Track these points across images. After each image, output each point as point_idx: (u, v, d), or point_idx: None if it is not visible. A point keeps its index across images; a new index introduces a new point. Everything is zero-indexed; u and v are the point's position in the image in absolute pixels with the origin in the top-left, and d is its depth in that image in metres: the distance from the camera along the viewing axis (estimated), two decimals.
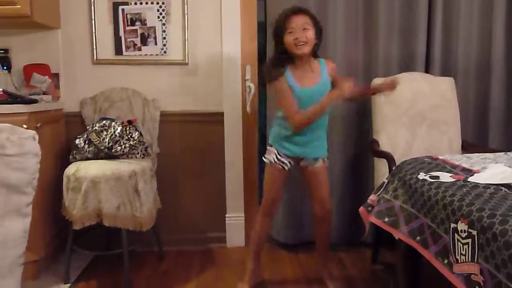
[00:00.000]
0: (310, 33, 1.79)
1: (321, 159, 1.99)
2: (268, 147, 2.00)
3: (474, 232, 1.05)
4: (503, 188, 1.22)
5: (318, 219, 2.05)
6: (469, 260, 1.06)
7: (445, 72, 2.52)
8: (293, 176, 2.11)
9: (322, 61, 1.92)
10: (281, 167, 1.94)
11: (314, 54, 1.90)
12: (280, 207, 2.53)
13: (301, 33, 1.77)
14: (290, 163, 1.96)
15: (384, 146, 2.29)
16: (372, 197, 1.63)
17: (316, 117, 1.85)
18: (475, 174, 1.38)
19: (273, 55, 1.93)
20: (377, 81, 2.26)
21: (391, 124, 2.33)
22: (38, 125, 2.07)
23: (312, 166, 1.97)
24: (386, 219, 1.51)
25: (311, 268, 2.29)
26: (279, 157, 1.94)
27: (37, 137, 0.80)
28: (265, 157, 1.99)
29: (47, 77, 2.34)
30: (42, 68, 2.37)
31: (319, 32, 1.85)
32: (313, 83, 1.86)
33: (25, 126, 1.90)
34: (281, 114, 1.94)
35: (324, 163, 2.00)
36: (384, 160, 2.12)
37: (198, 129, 2.55)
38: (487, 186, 1.25)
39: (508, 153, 1.79)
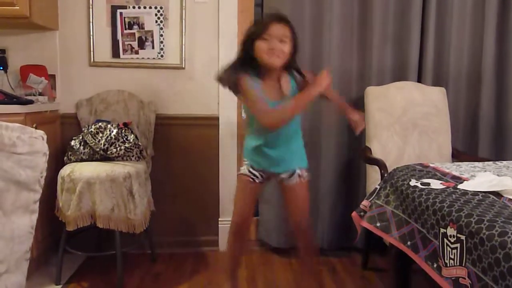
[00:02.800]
0: (287, 47, 1.61)
1: (297, 174, 1.78)
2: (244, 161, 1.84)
3: (463, 237, 1.09)
4: (491, 195, 1.26)
5: (295, 232, 1.90)
6: (458, 264, 1.10)
7: (437, 81, 2.57)
8: None
9: (292, 74, 1.74)
10: (251, 179, 1.77)
11: (285, 67, 1.70)
12: (271, 211, 2.56)
13: (277, 44, 1.59)
14: (262, 175, 1.78)
15: (376, 153, 2.32)
16: (365, 203, 1.67)
17: (294, 114, 1.65)
18: (465, 181, 1.41)
19: (234, 61, 1.69)
20: (354, 115, 1.77)
21: (383, 131, 2.37)
22: (34, 125, 2.06)
23: (287, 182, 1.78)
24: (378, 224, 1.54)
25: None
26: (251, 169, 1.78)
27: (45, 136, 0.82)
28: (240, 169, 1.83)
29: (43, 78, 2.34)
30: (39, 69, 2.37)
31: (295, 47, 1.66)
32: (280, 97, 1.67)
33: None
34: (248, 121, 1.77)
35: (302, 178, 1.79)
36: (376, 167, 2.16)
37: (193, 132, 2.57)
38: (475, 193, 1.29)
39: (497, 162, 1.83)
